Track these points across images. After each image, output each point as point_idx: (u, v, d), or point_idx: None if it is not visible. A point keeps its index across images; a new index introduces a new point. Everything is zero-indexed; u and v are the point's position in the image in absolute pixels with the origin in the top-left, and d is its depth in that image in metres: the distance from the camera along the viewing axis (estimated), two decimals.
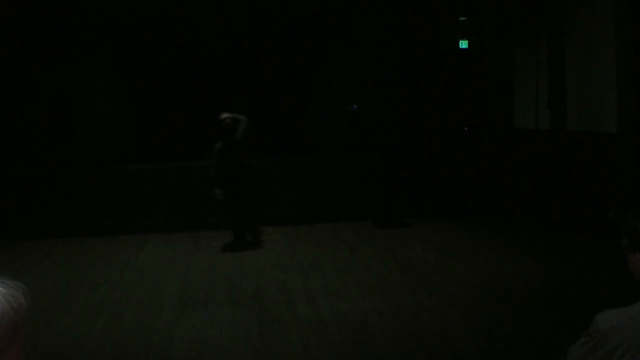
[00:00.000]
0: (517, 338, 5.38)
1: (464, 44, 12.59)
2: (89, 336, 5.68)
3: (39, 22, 11.83)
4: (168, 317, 6.15)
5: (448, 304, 6.27)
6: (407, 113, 12.26)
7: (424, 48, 12.28)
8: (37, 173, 10.74)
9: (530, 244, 8.74)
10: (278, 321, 5.94)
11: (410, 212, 10.45)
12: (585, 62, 9.92)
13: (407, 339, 5.43)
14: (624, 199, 8.41)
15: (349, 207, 10.70)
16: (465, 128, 12.52)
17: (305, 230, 10.05)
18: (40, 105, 12.27)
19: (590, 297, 6.19)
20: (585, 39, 9.84)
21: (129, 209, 10.34)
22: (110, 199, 10.38)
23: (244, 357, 5.24)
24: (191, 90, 12.95)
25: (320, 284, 7.12)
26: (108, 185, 10.52)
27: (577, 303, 6.09)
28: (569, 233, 9.26)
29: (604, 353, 1.80)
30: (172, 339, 5.59)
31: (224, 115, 8.77)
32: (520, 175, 11.13)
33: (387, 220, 10.10)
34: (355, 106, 12.59)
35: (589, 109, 9.96)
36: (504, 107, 11.79)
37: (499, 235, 9.35)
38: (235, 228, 9.06)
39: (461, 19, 12.61)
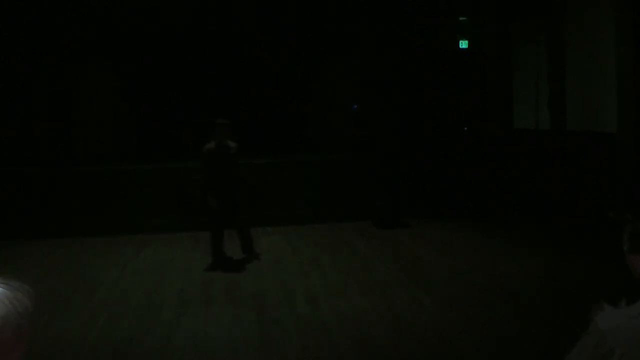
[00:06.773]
0: (517, 338, 5.38)
1: (464, 44, 12.60)
2: (89, 336, 5.68)
3: (39, 22, 11.83)
4: (168, 317, 6.15)
5: (448, 304, 6.27)
6: (407, 113, 12.26)
7: (423, 48, 12.28)
8: (37, 173, 10.74)
9: (531, 244, 8.74)
10: (278, 321, 5.94)
11: (410, 212, 10.45)
12: (585, 62, 9.92)
13: (407, 339, 5.43)
14: (624, 199, 8.42)
15: (349, 207, 10.69)
16: (465, 128, 12.52)
17: (305, 230, 10.04)
18: (40, 105, 12.27)
19: (591, 297, 6.19)
20: (585, 39, 9.85)
21: (129, 209, 10.33)
22: (110, 199, 10.37)
23: (244, 357, 5.24)
24: (191, 90, 12.95)
25: (320, 284, 7.12)
26: (108, 185, 10.51)
27: (577, 303, 6.09)
28: (569, 233, 9.26)
29: (604, 353, 1.79)
30: (172, 339, 5.59)
31: None
32: (520, 175, 11.12)
33: (387, 220, 10.11)
34: (355, 106, 12.58)
35: (589, 109, 9.97)
36: (504, 107, 11.80)
37: (498, 235, 9.34)
38: (215, 243, 8.02)
39: (461, 19, 12.62)
